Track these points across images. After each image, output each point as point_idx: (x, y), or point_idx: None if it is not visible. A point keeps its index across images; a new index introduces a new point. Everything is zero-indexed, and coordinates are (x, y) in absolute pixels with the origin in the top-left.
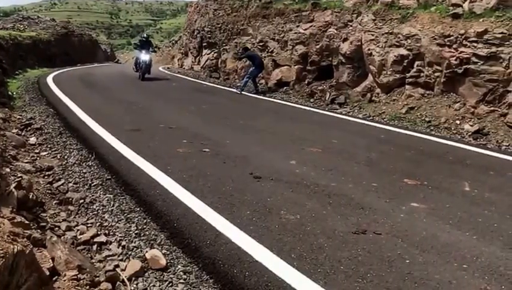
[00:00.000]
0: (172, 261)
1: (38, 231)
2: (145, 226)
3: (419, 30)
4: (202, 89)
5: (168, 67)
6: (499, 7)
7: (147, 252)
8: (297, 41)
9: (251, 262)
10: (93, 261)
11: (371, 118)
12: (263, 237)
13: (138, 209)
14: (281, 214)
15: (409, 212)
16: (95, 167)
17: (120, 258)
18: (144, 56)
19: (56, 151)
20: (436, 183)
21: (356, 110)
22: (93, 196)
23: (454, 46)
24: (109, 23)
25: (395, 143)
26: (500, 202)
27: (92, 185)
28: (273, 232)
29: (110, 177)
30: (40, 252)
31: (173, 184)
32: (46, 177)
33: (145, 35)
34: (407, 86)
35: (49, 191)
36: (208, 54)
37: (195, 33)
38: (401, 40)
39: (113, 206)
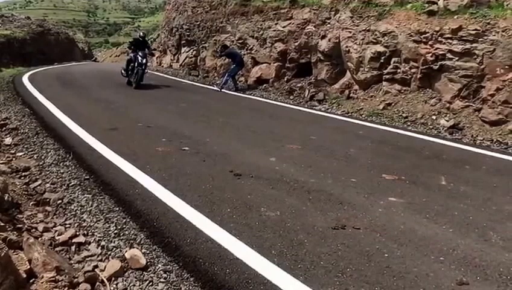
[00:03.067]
0: (152, 260)
1: (15, 232)
2: (124, 226)
3: (396, 27)
4: (181, 87)
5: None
6: (473, 4)
7: (126, 251)
8: (276, 38)
9: (232, 259)
10: (72, 262)
11: (349, 114)
12: (243, 234)
13: (117, 209)
14: (261, 211)
15: (387, 206)
16: (73, 167)
17: (99, 258)
18: (140, 59)
19: (33, 152)
20: (413, 177)
21: (335, 107)
22: (71, 196)
23: (430, 42)
24: (86, 21)
25: (373, 139)
26: (475, 195)
27: (70, 185)
28: (253, 229)
29: (88, 177)
30: (17, 254)
31: (152, 183)
32: (22, 178)
33: (141, 33)
34: (384, 83)
35: (26, 192)
36: (186, 52)
37: (173, 31)
38: (378, 37)
39: (91, 206)
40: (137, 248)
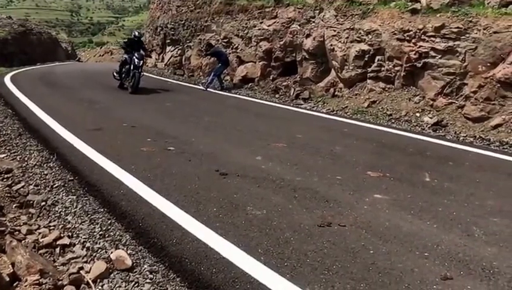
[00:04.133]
0: (138, 261)
1: None
2: (109, 227)
3: (380, 25)
4: (166, 87)
5: None
6: (455, 3)
7: (112, 253)
8: (261, 37)
9: (218, 259)
10: (56, 264)
11: (335, 112)
12: (230, 233)
13: (102, 210)
14: (247, 210)
15: (372, 203)
16: (57, 169)
17: (84, 260)
18: (137, 61)
19: (15, 153)
20: (398, 174)
21: (320, 105)
22: (55, 197)
23: (414, 40)
24: (69, 20)
25: (358, 136)
26: (459, 191)
27: (54, 186)
28: (239, 228)
29: (72, 178)
30: None
31: (138, 183)
32: (5, 180)
33: (136, 33)
34: (368, 81)
35: (9, 195)
36: (171, 51)
37: (158, 30)
38: (362, 35)
39: (76, 207)
40: (123, 249)
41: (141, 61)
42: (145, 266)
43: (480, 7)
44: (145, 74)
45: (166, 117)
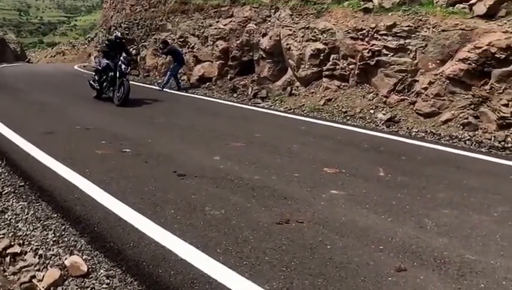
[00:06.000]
0: (94, 266)
1: None
2: (63, 233)
3: (334, 24)
4: None
5: (84, 66)
6: (405, 2)
7: (66, 259)
8: (218, 36)
9: (176, 261)
10: (7, 274)
11: (292, 110)
12: (188, 234)
13: (55, 215)
14: (205, 210)
15: (329, 199)
16: (6, 174)
17: (37, 268)
18: (124, 68)
19: None
20: (353, 170)
21: (278, 104)
22: (4, 204)
23: (367, 39)
24: (18, 20)
25: (315, 134)
26: (412, 185)
27: (3, 193)
28: (198, 229)
29: (23, 183)
30: None
31: (92, 187)
32: None
33: (118, 34)
34: (324, 79)
35: None
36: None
37: (111, 30)
38: (317, 34)
39: (27, 214)
40: (78, 255)
41: (128, 68)
42: (102, 271)
43: (430, 6)
44: None
45: (121, 118)
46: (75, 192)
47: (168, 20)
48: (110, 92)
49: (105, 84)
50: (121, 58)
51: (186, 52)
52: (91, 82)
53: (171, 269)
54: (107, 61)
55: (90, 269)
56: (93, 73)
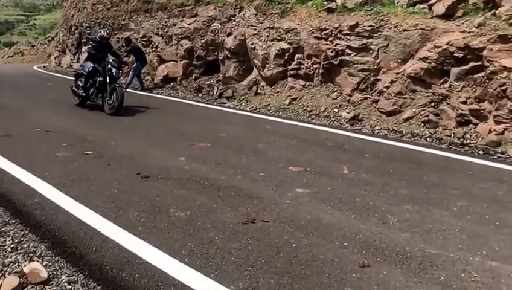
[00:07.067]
0: (55, 272)
1: None
2: (22, 239)
3: (298, 24)
4: None
5: (44, 66)
6: (367, 2)
7: (25, 266)
8: (182, 36)
9: (140, 264)
10: None
11: (258, 110)
12: (152, 237)
13: (14, 221)
14: (170, 212)
15: (294, 198)
16: None
17: None
18: (115, 72)
19: None
20: (318, 168)
21: (243, 103)
22: None
23: (330, 39)
24: None
25: (280, 133)
26: (375, 182)
27: None
28: (162, 231)
29: None
30: None
31: (53, 191)
32: None
33: (103, 33)
34: (289, 78)
35: None
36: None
37: (72, 29)
38: (282, 34)
39: None
40: (38, 261)
41: (119, 71)
42: (63, 277)
43: (391, 6)
44: (59, 75)
45: (83, 120)
46: (34, 196)
47: (131, 20)
48: (99, 100)
49: (92, 90)
50: (110, 60)
51: (150, 52)
52: (74, 88)
53: (135, 273)
54: (92, 65)
55: (50, 276)
56: (74, 78)
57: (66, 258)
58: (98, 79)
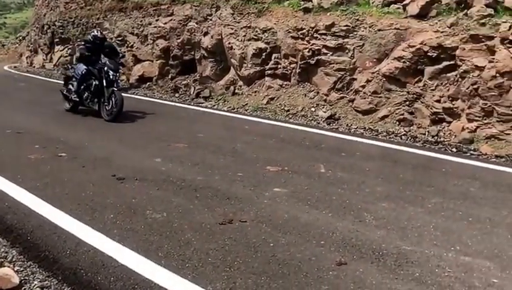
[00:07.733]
0: (27, 277)
1: None
2: None
3: (275, 24)
4: (56, 89)
5: (15, 66)
6: (343, 2)
7: None
8: (158, 35)
9: (116, 267)
10: None
11: (235, 110)
12: (128, 239)
13: None
14: (146, 213)
15: (271, 197)
16: None
17: None
18: (112, 75)
19: None
20: (295, 167)
21: (221, 103)
22: None
23: (307, 38)
24: None
25: (258, 133)
26: (351, 180)
27: None
28: (138, 233)
29: None
30: None
31: (25, 194)
32: None
33: (97, 33)
34: (266, 78)
35: None
36: (61, 51)
37: (45, 28)
38: (259, 33)
39: None
40: (9, 267)
41: (117, 74)
42: (35, 282)
43: (366, 6)
44: (32, 75)
45: (56, 121)
46: (5, 200)
47: (105, 19)
48: (95, 105)
49: (86, 94)
50: (106, 62)
51: (124, 52)
52: (64, 92)
53: (111, 276)
54: (85, 67)
55: (22, 281)
56: (63, 81)
57: (38, 262)
58: (94, 83)
